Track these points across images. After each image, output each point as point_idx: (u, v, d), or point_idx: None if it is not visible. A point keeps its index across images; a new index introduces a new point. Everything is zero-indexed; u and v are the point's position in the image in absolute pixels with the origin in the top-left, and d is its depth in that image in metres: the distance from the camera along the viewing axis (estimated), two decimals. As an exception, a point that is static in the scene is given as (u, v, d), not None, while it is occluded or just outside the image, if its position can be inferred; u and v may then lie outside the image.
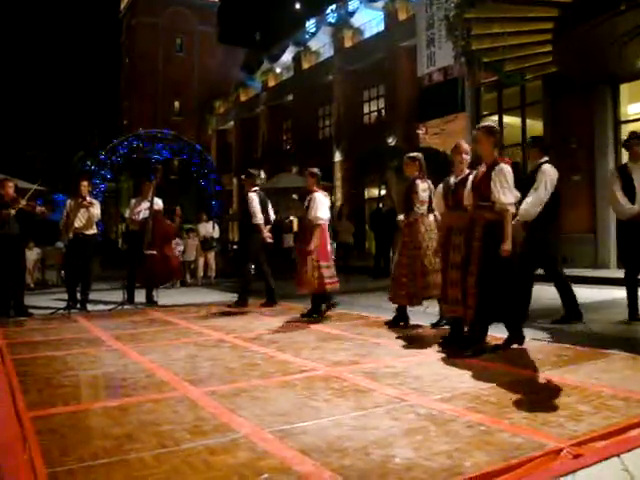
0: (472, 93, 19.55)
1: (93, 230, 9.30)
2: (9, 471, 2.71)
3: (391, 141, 24.51)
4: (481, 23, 12.61)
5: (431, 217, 6.59)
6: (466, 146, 5.68)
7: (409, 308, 6.68)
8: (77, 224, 8.97)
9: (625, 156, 13.21)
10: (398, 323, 6.78)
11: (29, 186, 11.75)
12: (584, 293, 9.53)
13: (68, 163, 37.96)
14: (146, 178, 10.39)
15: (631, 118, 14.20)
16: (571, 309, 6.69)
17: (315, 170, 7.90)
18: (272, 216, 9.19)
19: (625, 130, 14.00)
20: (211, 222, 15.03)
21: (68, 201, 9.34)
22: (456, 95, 18.62)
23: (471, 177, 5.28)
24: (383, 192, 21.95)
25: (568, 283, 6.84)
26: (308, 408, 3.56)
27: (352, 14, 30.75)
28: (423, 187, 6.58)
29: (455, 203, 5.45)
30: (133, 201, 10.38)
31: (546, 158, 6.81)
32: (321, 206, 7.52)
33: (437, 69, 21.38)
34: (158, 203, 9.98)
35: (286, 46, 36.86)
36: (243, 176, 9.56)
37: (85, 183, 9.33)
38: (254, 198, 8.76)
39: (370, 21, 29.67)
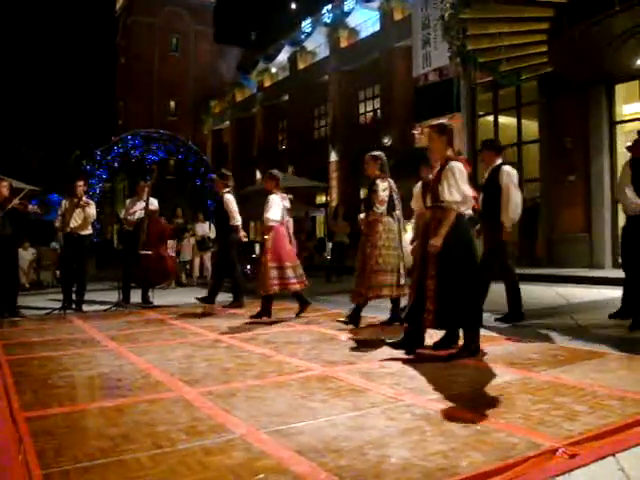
0: (467, 93, 19.57)
1: (89, 230, 9.28)
2: (3, 472, 2.70)
3: (386, 141, 24.53)
4: (477, 23, 12.64)
5: (392, 216, 6.63)
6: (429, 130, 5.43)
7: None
8: (73, 224, 8.96)
9: (620, 156, 13.29)
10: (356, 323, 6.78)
11: (23, 186, 11.73)
12: (579, 293, 9.57)
13: (64, 163, 37.92)
14: (142, 178, 10.39)
15: (626, 118, 14.25)
16: (514, 309, 6.71)
17: (275, 172, 7.99)
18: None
19: (620, 130, 14.05)
20: (207, 222, 15.02)
21: (63, 201, 9.32)
22: (451, 95, 18.68)
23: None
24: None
25: (517, 283, 6.78)
26: (304, 408, 3.56)
27: (348, 14, 30.75)
28: (383, 187, 6.56)
29: (434, 199, 5.06)
30: (128, 201, 10.37)
31: (501, 160, 6.76)
32: (275, 208, 7.55)
33: (433, 69, 21.40)
34: (154, 203, 9.97)
35: (282, 46, 36.84)
36: (215, 176, 9.53)
37: (81, 183, 9.31)
38: (232, 199, 8.82)
39: (366, 21, 29.69)
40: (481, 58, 13.58)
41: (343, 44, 29.94)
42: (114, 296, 9.48)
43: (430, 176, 5.41)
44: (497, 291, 6.76)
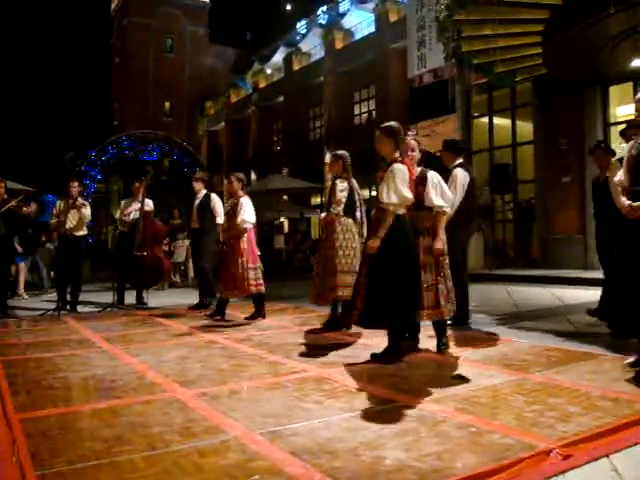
0: (462, 95, 19.59)
1: (84, 231, 9.26)
2: (-2, 474, 2.69)
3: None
4: (472, 25, 12.67)
5: (353, 217, 6.61)
6: (413, 143, 5.34)
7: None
8: (68, 225, 8.93)
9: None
10: (333, 328, 6.66)
11: (18, 187, 11.70)
12: (574, 294, 9.59)
13: (59, 163, 37.87)
14: (137, 179, 10.37)
15: (620, 120, 14.28)
16: (460, 311, 6.68)
17: (240, 175, 8.02)
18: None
19: (614, 132, 14.08)
20: None
21: (58, 202, 9.29)
22: (446, 97, 18.67)
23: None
24: (374, 193, 21.99)
25: (467, 286, 6.73)
26: (299, 409, 3.56)
27: (343, 15, 30.81)
28: (342, 187, 6.54)
29: (416, 202, 4.96)
30: (123, 202, 10.35)
31: (460, 161, 6.67)
32: (249, 210, 7.64)
33: (428, 70, 21.41)
34: (149, 204, 9.95)
35: (277, 47, 36.88)
36: (198, 176, 9.45)
37: (75, 184, 9.29)
38: (218, 199, 8.99)
39: (361, 22, 29.74)
40: (476, 59, 13.60)
41: (338, 45, 29.94)
42: (109, 297, 9.46)
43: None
44: (492, 293, 6.77)
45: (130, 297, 9.80)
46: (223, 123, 42.18)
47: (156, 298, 10.38)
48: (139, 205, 9.68)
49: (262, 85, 37.45)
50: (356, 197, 6.69)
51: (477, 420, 3.25)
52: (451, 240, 5.67)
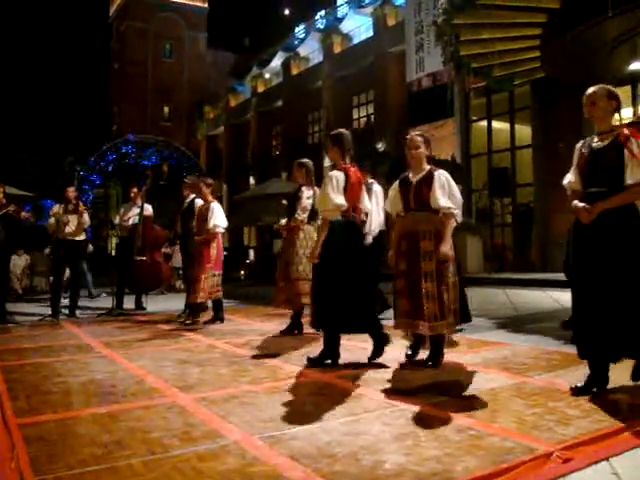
0: (461, 98, 19.65)
1: (82, 236, 9.26)
2: (-3, 479, 2.69)
3: (380, 146, 24.57)
4: (470, 29, 12.70)
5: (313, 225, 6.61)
6: (418, 139, 4.96)
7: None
8: (67, 230, 8.92)
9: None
10: (293, 331, 6.75)
11: (16, 192, 11.69)
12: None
13: (58, 168, 37.87)
14: (136, 184, 10.37)
15: (619, 123, 14.30)
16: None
17: (209, 180, 8.11)
18: None
19: (613, 135, 14.10)
20: None
21: (56, 206, 9.27)
22: (445, 100, 18.72)
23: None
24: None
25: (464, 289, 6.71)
26: (298, 414, 3.55)
27: (341, 20, 30.90)
28: (308, 194, 6.58)
29: (419, 204, 4.76)
30: (122, 207, 10.36)
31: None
32: (220, 215, 7.72)
33: (426, 74, 21.48)
34: (148, 209, 9.96)
35: (275, 52, 36.96)
36: (186, 182, 9.15)
37: (72, 189, 9.29)
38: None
39: (359, 27, 29.80)
40: (474, 63, 13.64)
41: (337, 50, 30.01)
42: (108, 302, 9.45)
43: (410, 175, 5.43)
44: (491, 296, 6.77)
45: (129, 302, 9.80)
46: (222, 128, 42.24)
47: (155, 303, 10.38)
48: (138, 210, 9.69)
49: (261, 90, 37.51)
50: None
51: (477, 423, 3.25)
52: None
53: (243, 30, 57.18)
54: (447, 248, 4.60)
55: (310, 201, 6.55)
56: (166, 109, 51.25)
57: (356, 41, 29.81)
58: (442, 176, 4.75)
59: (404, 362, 4.96)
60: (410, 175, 4.89)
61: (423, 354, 4.99)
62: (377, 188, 6.74)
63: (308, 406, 3.71)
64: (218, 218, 7.66)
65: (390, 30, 25.81)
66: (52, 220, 9.01)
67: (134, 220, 9.68)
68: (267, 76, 38.12)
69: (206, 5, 54.78)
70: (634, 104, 14.32)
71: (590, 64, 12.53)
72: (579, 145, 4.14)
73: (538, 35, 12.63)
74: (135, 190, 10.06)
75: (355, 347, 5.67)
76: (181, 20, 52.38)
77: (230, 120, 41.05)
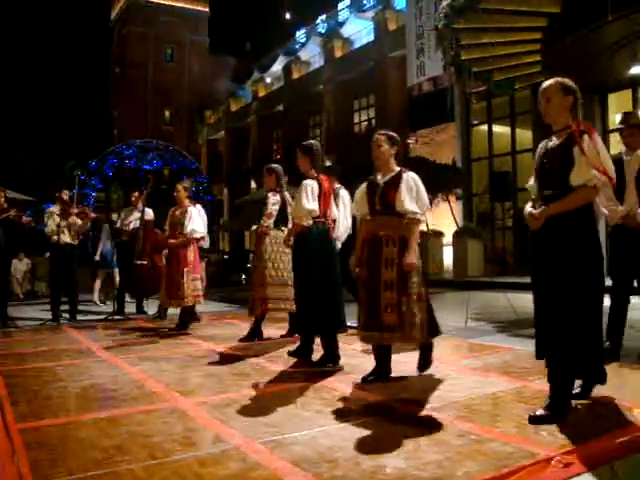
0: (462, 102, 19.65)
1: (75, 240, 9.25)
2: (-3, 484, 2.69)
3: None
4: (470, 33, 12.70)
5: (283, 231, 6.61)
6: (382, 138, 4.74)
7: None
8: (64, 234, 8.91)
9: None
10: (252, 338, 6.76)
11: (17, 196, 11.69)
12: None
13: (59, 172, 37.91)
14: (137, 188, 10.38)
15: (620, 127, 14.32)
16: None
17: (186, 184, 8.09)
18: None
19: (614, 139, 14.12)
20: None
21: (50, 209, 9.23)
22: (446, 105, 18.72)
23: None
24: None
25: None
26: (299, 418, 3.55)
27: (342, 24, 30.93)
28: (273, 200, 6.55)
29: (385, 207, 4.49)
30: (123, 211, 10.37)
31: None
32: (199, 220, 7.71)
33: (427, 79, 21.51)
34: (149, 213, 9.95)
35: (276, 56, 36.99)
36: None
37: (66, 192, 9.30)
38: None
39: (360, 31, 29.85)
40: (475, 67, 13.64)
41: (337, 54, 30.05)
42: (109, 306, 9.46)
43: (378, 177, 5.48)
44: (492, 300, 6.76)
45: (130, 306, 9.80)
46: (223, 132, 42.30)
47: (156, 307, 10.36)
48: (139, 214, 9.69)
49: (262, 94, 37.57)
50: (289, 210, 6.58)
51: (477, 428, 3.25)
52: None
53: (244, 34, 57.43)
54: (412, 257, 4.26)
55: (276, 207, 6.54)
56: (167, 113, 51.31)
57: (357, 45, 29.86)
58: (410, 178, 4.47)
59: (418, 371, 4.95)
60: (379, 177, 4.62)
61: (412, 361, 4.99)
62: (344, 193, 6.74)
63: (309, 411, 3.71)
64: (196, 223, 7.65)
65: (391, 34, 25.86)
66: (52, 227, 8.98)
67: (135, 224, 9.68)
68: (268, 80, 38.18)
69: (207, 9, 54.89)
70: (634, 108, 14.30)
71: (591, 68, 12.54)
72: (540, 145, 3.86)
73: (539, 39, 12.62)
74: (136, 194, 10.07)
75: (357, 352, 5.67)
76: (182, 24, 52.46)
77: (231, 124, 41.10)
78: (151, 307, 9.88)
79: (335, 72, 29.43)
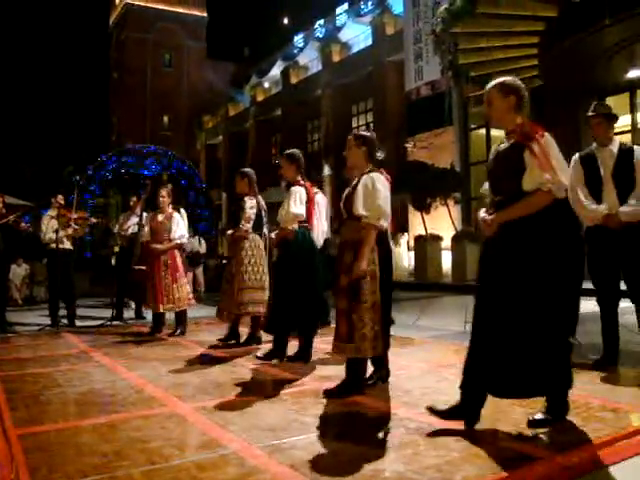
0: (460, 107, 19.68)
1: (69, 245, 9.24)
2: (-4, 490, 2.68)
3: (379, 155, 24.57)
4: (468, 37, 12.75)
5: (260, 234, 6.71)
6: (350, 138, 4.69)
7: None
8: (60, 238, 8.89)
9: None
10: (229, 341, 6.81)
11: (16, 202, 11.68)
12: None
13: (58, 177, 37.93)
14: (135, 193, 10.39)
15: (617, 130, 14.34)
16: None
17: (169, 189, 8.16)
18: None
19: (611, 142, 14.15)
20: (197, 237, 15.00)
21: (47, 214, 9.21)
22: (444, 109, 18.74)
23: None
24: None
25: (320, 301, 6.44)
26: (297, 423, 3.55)
27: (340, 29, 30.97)
28: (250, 204, 6.60)
29: (347, 211, 4.37)
30: (122, 216, 10.37)
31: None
32: (183, 225, 7.93)
33: (425, 83, 21.53)
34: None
35: (274, 61, 37.04)
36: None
37: (60, 196, 9.29)
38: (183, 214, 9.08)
39: (358, 36, 29.91)
40: (473, 71, 13.68)
41: (336, 58, 30.11)
42: (107, 311, 9.45)
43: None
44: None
45: (129, 311, 9.79)
46: (221, 137, 42.34)
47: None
48: (137, 219, 9.69)
49: (260, 99, 37.62)
50: (263, 214, 6.76)
51: (476, 431, 3.25)
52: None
53: (242, 39, 57.52)
54: (361, 264, 4.05)
55: (253, 211, 6.60)
56: (165, 118, 51.37)
57: (355, 50, 29.93)
58: (369, 179, 4.24)
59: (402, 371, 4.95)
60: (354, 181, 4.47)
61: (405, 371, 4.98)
62: (319, 198, 6.78)
63: (307, 415, 3.70)
64: (182, 228, 7.88)
65: (389, 39, 25.91)
66: (49, 234, 8.95)
67: (133, 229, 9.68)
68: (266, 85, 38.24)
69: (205, 15, 54.99)
70: (632, 112, 14.34)
71: (588, 72, 12.58)
72: (492, 148, 3.67)
73: (536, 43, 12.68)
74: (134, 199, 10.07)
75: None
76: (180, 30, 52.57)
77: (229, 129, 41.15)
78: (149, 312, 9.86)
79: (333, 77, 29.48)
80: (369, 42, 28.17)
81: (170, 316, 8.08)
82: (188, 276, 14.55)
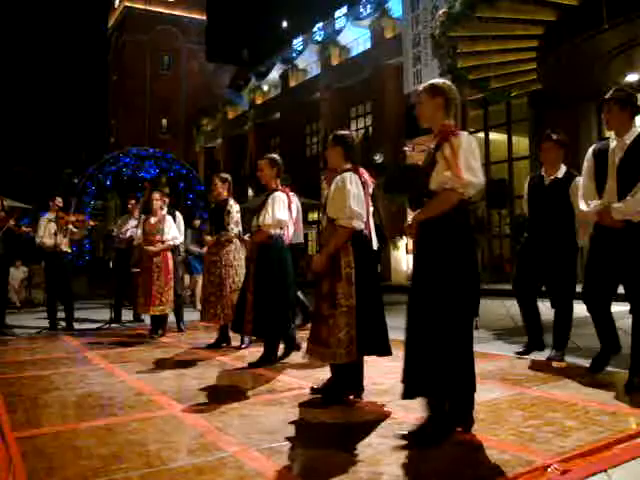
0: (458, 110, 19.66)
1: (68, 248, 9.24)
2: (-6, 493, 2.68)
3: (378, 158, 24.63)
4: (467, 41, 12.76)
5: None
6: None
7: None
8: (58, 241, 8.89)
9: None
10: (220, 345, 6.82)
11: (15, 204, 11.68)
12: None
13: (57, 180, 37.91)
14: (134, 196, 10.40)
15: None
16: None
17: (161, 192, 8.27)
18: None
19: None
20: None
21: (45, 217, 9.20)
22: (443, 112, 18.73)
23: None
24: (371, 209, 22.02)
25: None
26: (296, 425, 3.54)
27: (339, 32, 31.01)
28: (237, 208, 6.72)
29: (324, 213, 4.34)
30: (120, 219, 10.38)
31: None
32: (175, 227, 8.07)
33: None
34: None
35: (273, 64, 37.08)
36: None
37: (59, 199, 9.30)
38: (180, 217, 9.21)
39: (357, 39, 29.94)
40: (471, 75, 13.69)
41: (334, 62, 30.12)
42: (106, 314, 9.44)
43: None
44: (489, 308, 6.76)
45: (127, 314, 9.79)
46: (220, 140, 42.31)
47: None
48: (136, 222, 9.69)
49: (259, 102, 37.62)
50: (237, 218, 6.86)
51: (474, 436, 3.25)
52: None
53: (241, 42, 57.52)
54: (322, 257, 4.07)
55: (239, 214, 6.72)
56: (164, 121, 51.36)
57: (354, 53, 29.95)
58: (339, 179, 4.14)
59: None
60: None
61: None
62: (296, 202, 6.83)
63: (306, 418, 3.70)
64: (174, 230, 7.97)
65: (388, 42, 25.94)
66: (46, 239, 8.92)
67: (132, 232, 9.68)
68: (265, 88, 38.25)
69: (204, 18, 55.00)
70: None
71: (586, 76, 12.60)
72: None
73: (535, 47, 12.69)
74: (133, 202, 10.09)
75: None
76: (179, 33, 52.60)
77: (228, 132, 41.14)
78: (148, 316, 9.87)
79: (332, 80, 29.49)
80: (368, 45, 28.20)
81: (170, 318, 8.09)
82: (187, 279, 14.58)
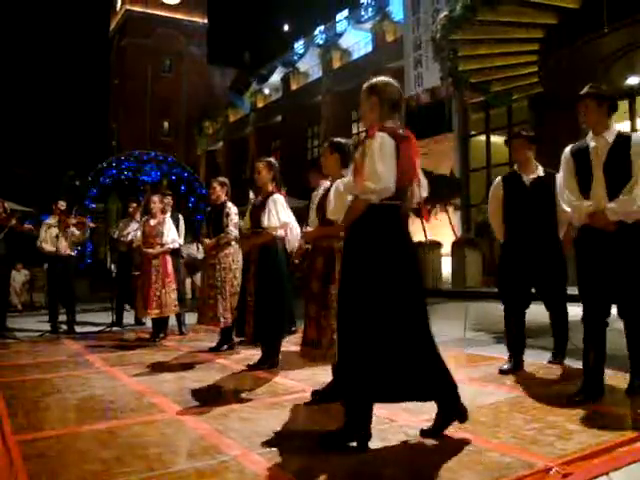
0: (459, 113, 19.69)
1: (72, 251, 9.25)
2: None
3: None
4: (468, 44, 12.77)
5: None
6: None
7: None
8: (61, 244, 8.90)
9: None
10: (221, 347, 6.81)
11: (16, 207, 11.69)
12: (571, 311, 9.55)
13: (58, 183, 37.97)
14: (135, 199, 10.41)
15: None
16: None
17: (160, 195, 8.29)
18: None
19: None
20: (195, 243, 14.97)
21: (47, 221, 9.20)
22: (444, 115, 18.76)
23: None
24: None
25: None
26: (297, 429, 3.55)
27: (340, 35, 31.05)
28: (235, 210, 6.76)
29: (320, 220, 4.34)
30: (121, 222, 10.38)
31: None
32: (175, 229, 8.10)
33: (424, 90, 21.54)
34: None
35: (275, 67, 37.12)
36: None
37: (62, 203, 9.30)
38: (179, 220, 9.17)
39: (358, 42, 29.98)
40: (472, 78, 13.70)
41: (336, 65, 30.17)
42: (107, 317, 9.45)
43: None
44: (490, 310, 6.75)
45: (129, 317, 9.79)
46: (221, 143, 42.34)
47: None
48: (137, 225, 9.70)
49: (260, 105, 37.66)
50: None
51: (476, 438, 3.24)
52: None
53: (243, 45, 57.56)
54: (313, 231, 4.36)
55: (238, 217, 6.75)
56: (165, 124, 51.34)
57: (355, 56, 29.99)
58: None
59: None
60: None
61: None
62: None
63: (307, 421, 3.70)
64: (175, 232, 8.01)
65: (389, 46, 25.97)
66: (47, 245, 8.93)
67: (133, 235, 9.69)
68: (266, 91, 38.29)
69: (206, 21, 55.02)
70: (631, 118, 14.35)
71: (587, 79, 12.57)
72: None
73: (536, 50, 12.71)
74: (134, 205, 10.09)
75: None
76: (181, 35, 52.59)
77: (229, 135, 41.17)
78: (149, 318, 9.86)
79: (333, 83, 29.52)
80: (369, 49, 28.24)
81: (171, 321, 8.10)
82: (186, 283, 14.57)
